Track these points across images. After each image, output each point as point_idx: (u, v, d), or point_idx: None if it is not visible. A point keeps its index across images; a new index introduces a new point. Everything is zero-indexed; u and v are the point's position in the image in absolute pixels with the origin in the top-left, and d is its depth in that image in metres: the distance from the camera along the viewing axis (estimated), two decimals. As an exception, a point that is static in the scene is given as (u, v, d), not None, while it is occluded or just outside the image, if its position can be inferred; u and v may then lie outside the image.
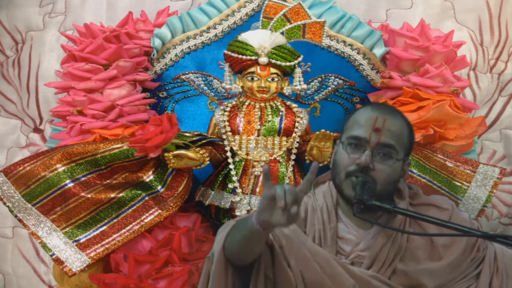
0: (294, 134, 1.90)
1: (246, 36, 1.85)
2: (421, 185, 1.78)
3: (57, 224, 1.81)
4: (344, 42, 2.13)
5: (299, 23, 1.89)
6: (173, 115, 1.75)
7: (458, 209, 1.38)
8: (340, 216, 1.35)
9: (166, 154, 1.75)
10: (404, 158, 1.30)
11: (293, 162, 1.90)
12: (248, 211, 1.85)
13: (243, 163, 1.89)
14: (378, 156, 1.26)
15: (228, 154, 1.89)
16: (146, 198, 1.83)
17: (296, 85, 1.90)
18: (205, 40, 2.15)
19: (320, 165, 1.73)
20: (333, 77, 2.13)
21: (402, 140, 1.30)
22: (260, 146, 1.89)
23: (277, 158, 1.89)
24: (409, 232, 1.27)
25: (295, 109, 1.93)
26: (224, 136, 1.91)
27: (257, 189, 1.87)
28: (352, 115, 1.36)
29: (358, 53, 2.12)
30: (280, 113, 1.91)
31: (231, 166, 1.88)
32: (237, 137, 1.90)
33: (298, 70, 1.89)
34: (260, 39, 1.84)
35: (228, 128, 1.90)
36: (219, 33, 2.15)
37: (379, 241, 1.27)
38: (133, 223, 1.81)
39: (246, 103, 1.92)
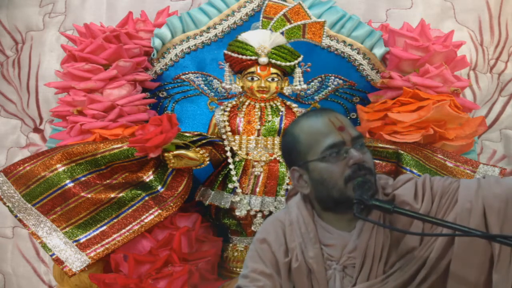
0: (294, 134, 1.90)
1: (246, 36, 1.85)
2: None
3: (57, 224, 1.81)
4: (344, 42, 2.13)
5: (299, 23, 1.89)
6: (173, 115, 1.74)
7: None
8: (318, 222, 1.34)
9: (166, 154, 1.75)
10: None
11: (293, 162, 1.90)
12: (248, 211, 1.85)
13: (243, 163, 1.89)
14: (357, 149, 1.26)
15: (228, 154, 1.89)
16: (146, 198, 1.83)
17: (296, 85, 1.90)
18: (205, 40, 2.16)
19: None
20: (333, 77, 2.13)
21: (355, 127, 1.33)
22: (260, 146, 1.89)
23: (277, 158, 1.89)
24: (409, 232, 1.26)
25: (295, 109, 1.93)
26: (224, 136, 1.91)
27: (257, 189, 1.87)
28: (299, 135, 1.29)
29: (358, 53, 2.12)
30: (280, 113, 1.91)
31: (231, 166, 1.88)
32: (237, 137, 1.90)
33: (298, 70, 1.89)
34: (260, 39, 1.84)
35: (228, 128, 1.90)
36: (219, 33, 2.15)
37: (363, 237, 1.26)
38: (133, 223, 1.81)
39: (246, 103, 1.92)
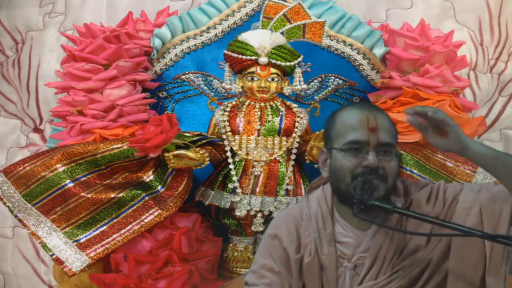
0: (294, 134, 1.90)
1: (246, 36, 1.85)
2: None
3: (57, 224, 1.81)
4: (344, 42, 2.13)
5: (299, 23, 1.89)
6: (173, 115, 1.75)
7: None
8: (337, 219, 1.34)
9: (166, 154, 1.75)
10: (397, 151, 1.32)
11: (293, 162, 1.90)
12: (248, 211, 1.85)
13: (243, 163, 1.89)
14: (380, 155, 1.26)
15: (228, 154, 1.89)
16: (146, 198, 1.83)
17: (296, 85, 1.90)
18: (205, 40, 2.16)
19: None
20: (333, 77, 2.13)
21: (394, 134, 1.32)
22: (260, 146, 1.89)
23: (277, 158, 1.89)
24: (409, 232, 1.26)
25: (295, 109, 1.93)
26: (224, 136, 1.91)
27: (257, 189, 1.87)
28: (337, 120, 1.32)
29: (358, 53, 2.12)
30: (280, 113, 1.91)
31: (231, 166, 1.88)
32: (237, 137, 1.90)
33: (298, 70, 1.89)
34: (260, 39, 1.84)
35: (228, 128, 1.90)
36: (219, 33, 2.15)
37: (377, 240, 1.27)
38: (133, 223, 1.81)
39: (246, 103, 1.92)
